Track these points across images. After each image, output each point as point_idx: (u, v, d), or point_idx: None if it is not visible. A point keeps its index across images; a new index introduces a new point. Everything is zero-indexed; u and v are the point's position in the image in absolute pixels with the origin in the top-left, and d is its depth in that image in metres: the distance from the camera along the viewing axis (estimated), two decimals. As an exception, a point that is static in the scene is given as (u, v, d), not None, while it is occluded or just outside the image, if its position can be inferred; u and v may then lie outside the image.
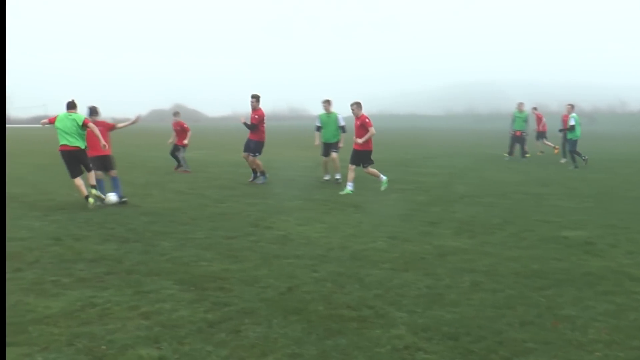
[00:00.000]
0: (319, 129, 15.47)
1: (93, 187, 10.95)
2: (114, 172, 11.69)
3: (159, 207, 11.09)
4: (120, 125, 12.49)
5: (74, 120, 10.85)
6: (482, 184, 15.16)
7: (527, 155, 23.40)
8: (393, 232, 8.79)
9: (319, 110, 15.69)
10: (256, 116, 14.85)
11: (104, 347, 4.52)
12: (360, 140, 13.34)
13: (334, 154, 15.24)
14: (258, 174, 15.09)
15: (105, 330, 4.85)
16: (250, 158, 14.88)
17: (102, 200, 11.16)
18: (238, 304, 5.50)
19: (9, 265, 6.83)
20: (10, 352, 4.38)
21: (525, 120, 23.25)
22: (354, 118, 14.01)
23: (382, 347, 4.53)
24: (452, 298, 5.70)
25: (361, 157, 13.52)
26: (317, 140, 15.62)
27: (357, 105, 13.64)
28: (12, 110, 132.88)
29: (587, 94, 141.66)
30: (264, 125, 15.10)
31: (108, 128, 11.81)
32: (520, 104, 23.71)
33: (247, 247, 7.82)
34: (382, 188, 13.54)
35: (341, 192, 13.00)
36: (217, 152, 27.94)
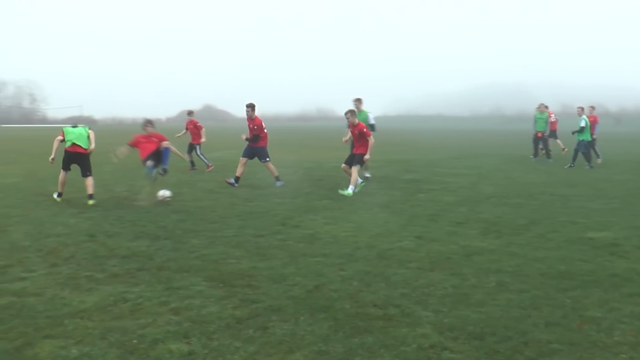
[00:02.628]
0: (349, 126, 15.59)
1: (90, 196, 11.50)
2: (166, 143, 11.92)
3: (189, 206, 11.27)
4: (169, 146, 12.21)
5: (83, 129, 11.89)
6: (508, 184, 15.07)
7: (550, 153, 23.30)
8: (420, 232, 8.82)
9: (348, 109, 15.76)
10: (255, 127, 14.48)
11: (135, 341, 4.63)
12: (367, 156, 13.14)
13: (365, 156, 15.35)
14: (238, 181, 14.39)
15: (137, 324, 4.97)
16: (265, 165, 14.66)
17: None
18: (266, 301, 5.58)
19: (47, 260, 7.08)
20: (47, 344, 4.54)
21: (547, 122, 23.08)
22: (360, 117, 14.18)
23: (408, 346, 4.56)
24: (478, 298, 5.72)
25: (356, 157, 13.31)
26: (346, 138, 15.71)
27: (351, 114, 13.47)
28: (50, 111, 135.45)
29: (614, 95, 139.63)
30: (265, 131, 14.77)
31: (160, 139, 12.06)
32: (541, 105, 23.56)
33: (275, 246, 7.92)
34: (343, 193, 12.86)
35: (352, 192, 12.99)
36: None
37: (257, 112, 14.66)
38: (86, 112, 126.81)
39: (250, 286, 6.08)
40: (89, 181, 11.62)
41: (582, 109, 21.11)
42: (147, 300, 5.60)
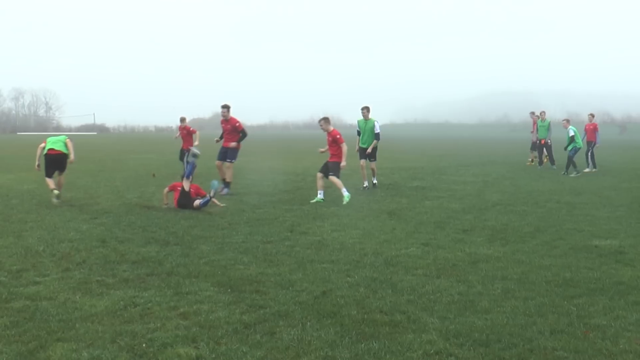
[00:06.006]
0: (359, 134, 15.78)
1: (57, 189, 12.41)
2: (196, 204, 11.77)
3: (198, 212, 11.35)
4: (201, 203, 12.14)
5: (61, 137, 13.06)
6: (515, 192, 15.08)
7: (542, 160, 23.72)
8: (426, 239, 8.88)
9: (355, 118, 15.98)
10: (236, 124, 14.43)
11: (144, 345, 4.70)
12: (343, 164, 13.18)
13: (371, 163, 15.51)
14: (224, 183, 14.31)
15: (146, 329, 5.05)
16: (227, 164, 14.48)
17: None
18: (273, 307, 5.65)
19: (60, 265, 7.20)
20: (59, 347, 4.63)
21: (548, 129, 23.21)
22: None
23: (414, 352, 4.60)
24: (483, 305, 5.76)
25: (330, 166, 13.32)
26: (357, 146, 15.85)
27: (325, 121, 13.59)
28: (64, 119, 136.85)
29: (620, 102, 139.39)
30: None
31: (197, 191, 12.17)
32: (542, 113, 23.79)
33: (283, 252, 8.00)
34: (344, 201, 12.73)
35: (312, 201, 12.97)
36: (255, 159, 28.22)
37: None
38: (99, 120, 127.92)
39: (258, 292, 6.15)
40: (61, 180, 12.72)
41: (568, 121, 21.70)
42: (157, 305, 5.68)
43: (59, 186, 12.46)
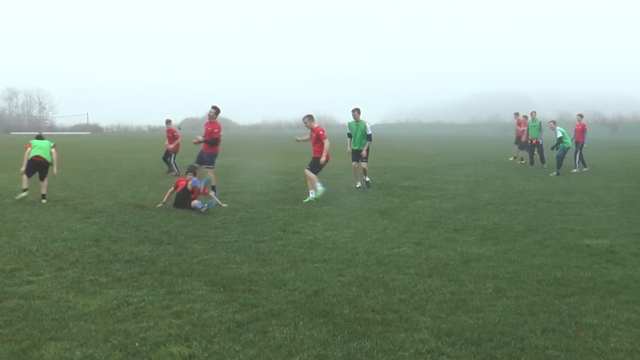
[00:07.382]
0: (349, 135, 15.76)
1: (43, 196, 12.51)
2: (194, 204, 11.76)
3: (191, 211, 11.34)
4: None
5: (47, 143, 13.18)
6: (506, 191, 15.14)
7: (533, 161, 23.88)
8: (418, 239, 8.91)
9: (347, 118, 15.98)
10: (215, 129, 14.00)
11: (137, 344, 4.72)
12: (322, 159, 13.31)
13: (362, 163, 15.53)
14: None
15: (139, 328, 5.07)
16: (207, 170, 13.92)
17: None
18: (266, 306, 5.67)
19: (53, 264, 7.20)
20: (52, 346, 4.64)
21: (540, 129, 23.34)
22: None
23: (406, 351, 4.64)
24: (475, 304, 5.80)
25: (312, 162, 13.49)
26: (349, 148, 15.85)
27: (309, 118, 13.76)
28: (57, 119, 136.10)
29: (611, 102, 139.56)
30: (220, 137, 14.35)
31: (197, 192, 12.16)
32: (533, 113, 23.96)
33: (276, 251, 8.02)
34: (317, 195, 12.96)
35: (304, 200, 12.98)
36: (247, 159, 28.20)
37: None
38: (92, 120, 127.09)
39: (250, 291, 6.17)
40: (44, 183, 12.73)
41: (555, 122, 22.01)
42: (150, 304, 5.70)
43: (42, 188, 12.56)
